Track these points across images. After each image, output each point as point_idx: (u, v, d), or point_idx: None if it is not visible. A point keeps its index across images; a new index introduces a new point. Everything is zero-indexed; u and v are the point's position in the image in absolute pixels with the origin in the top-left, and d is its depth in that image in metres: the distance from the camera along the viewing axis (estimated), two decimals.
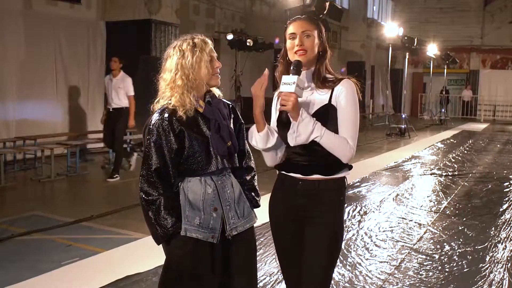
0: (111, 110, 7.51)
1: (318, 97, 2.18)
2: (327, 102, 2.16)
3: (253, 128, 2.21)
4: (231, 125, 2.28)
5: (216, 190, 2.17)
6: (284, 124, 2.14)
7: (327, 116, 2.15)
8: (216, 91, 2.29)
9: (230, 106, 2.35)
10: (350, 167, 2.24)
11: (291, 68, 2.11)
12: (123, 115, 7.45)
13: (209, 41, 2.20)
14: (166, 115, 2.13)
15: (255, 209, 2.36)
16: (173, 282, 2.16)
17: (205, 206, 2.14)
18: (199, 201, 2.14)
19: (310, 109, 2.16)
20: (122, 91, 7.43)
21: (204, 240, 2.12)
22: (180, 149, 2.13)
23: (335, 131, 2.15)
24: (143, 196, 2.12)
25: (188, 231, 2.12)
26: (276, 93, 2.32)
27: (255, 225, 2.34)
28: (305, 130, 2.08)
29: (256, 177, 2.40)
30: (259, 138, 2.19)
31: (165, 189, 2.12)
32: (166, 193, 2.12)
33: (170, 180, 2.14)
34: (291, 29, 2.20)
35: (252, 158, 2.39)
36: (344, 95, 2.15)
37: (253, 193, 2.34)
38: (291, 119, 2.09)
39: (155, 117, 2.15)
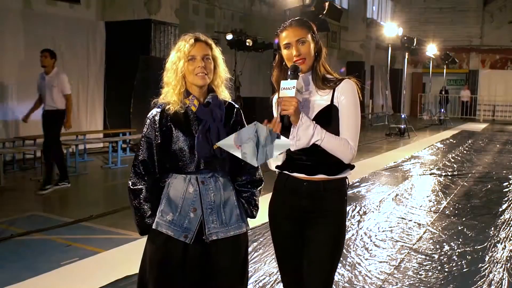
0: (43, 112, 6.60)
1: (320, 99, 2.17)
2: (329, 103, 2.15)
3: None
4: (229, 128, 2.23)
5: (198, 191, 2.16)
6: (286, 128, 2.12)
7: (330, 117, 2.14)
8: (222, 92, 2.27)
9: (235, 109, 2.30)
10: (352, 167, 2.23)
11: (289, 73, 2.10)
12: (58, 118, 6.54)
13: (192, 41, 2.16)
14: (159, 110, 2.20)
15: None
16: (145, 274, 2.20)
17: (184, 205, 2.15)
18: (179, 199, 2.16)
19: (312, 111, 2.15)
20: (56, 90, 6.49)
21: (176, 237, 2.12)
22: (165, 145, 2.17)
23: (338, 132, 2.14)
24: (130, 185, 2.19)
25: (159, 226, 2.15)
26: (274, 98, 2.31)
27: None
28: (305, 134, 2.07)
29: (259, 188, 2.33)
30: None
31: (149, 181, 2.17)
32: (149, 185, 2.17)
33: (155, 173, 2.19)
34: (284, 38, 2.17)
35: (257, 168, 2.30)
36: (346, 95, 2.15)
37: (248, 203, 2.29)
38: (292, 123, 2.08)
39: (151, 111, 2.23)
